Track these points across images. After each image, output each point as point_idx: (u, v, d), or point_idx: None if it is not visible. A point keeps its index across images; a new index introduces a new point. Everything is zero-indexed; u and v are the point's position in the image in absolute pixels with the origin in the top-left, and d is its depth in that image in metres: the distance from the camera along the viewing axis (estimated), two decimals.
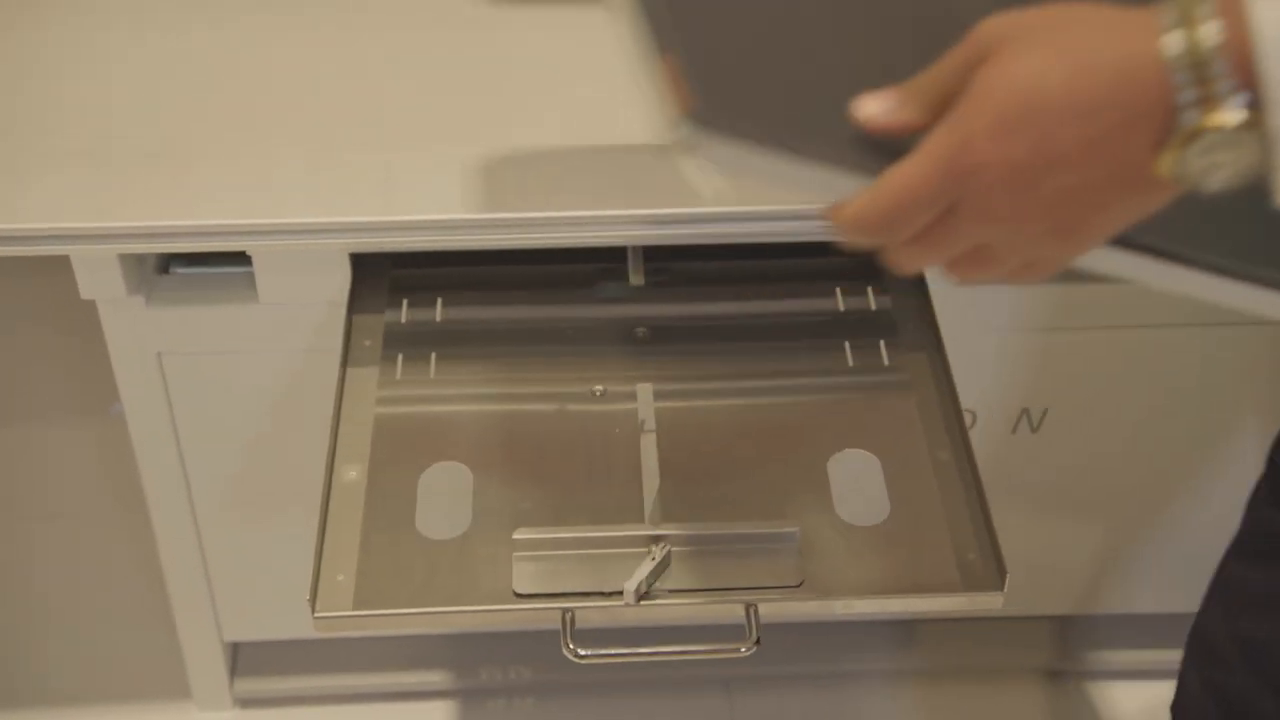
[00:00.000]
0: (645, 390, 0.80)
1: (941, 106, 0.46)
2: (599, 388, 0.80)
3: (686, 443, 0.77)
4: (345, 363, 0.80)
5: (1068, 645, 1.15)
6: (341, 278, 0.84)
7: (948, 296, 0.86)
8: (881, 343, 0.83)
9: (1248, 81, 0.41)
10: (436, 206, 0.78)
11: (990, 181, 0.44)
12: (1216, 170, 0.42)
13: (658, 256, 0.88)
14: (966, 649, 1.14)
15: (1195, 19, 0.41)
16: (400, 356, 0.80)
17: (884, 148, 0.48)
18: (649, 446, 0.76)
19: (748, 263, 0.88)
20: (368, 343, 0.82)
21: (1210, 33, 0.40)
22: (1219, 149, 0.42)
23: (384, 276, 0.86)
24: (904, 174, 0.46)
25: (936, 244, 0.48)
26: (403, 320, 0.83)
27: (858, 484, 0.75)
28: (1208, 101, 0.41)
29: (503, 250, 0.81)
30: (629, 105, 0.81)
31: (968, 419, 0.95)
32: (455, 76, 0.89)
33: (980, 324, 0.91)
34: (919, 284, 0.86)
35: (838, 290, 0.86)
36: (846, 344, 0.83)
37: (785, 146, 0.49)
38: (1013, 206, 0.45)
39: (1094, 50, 0.43)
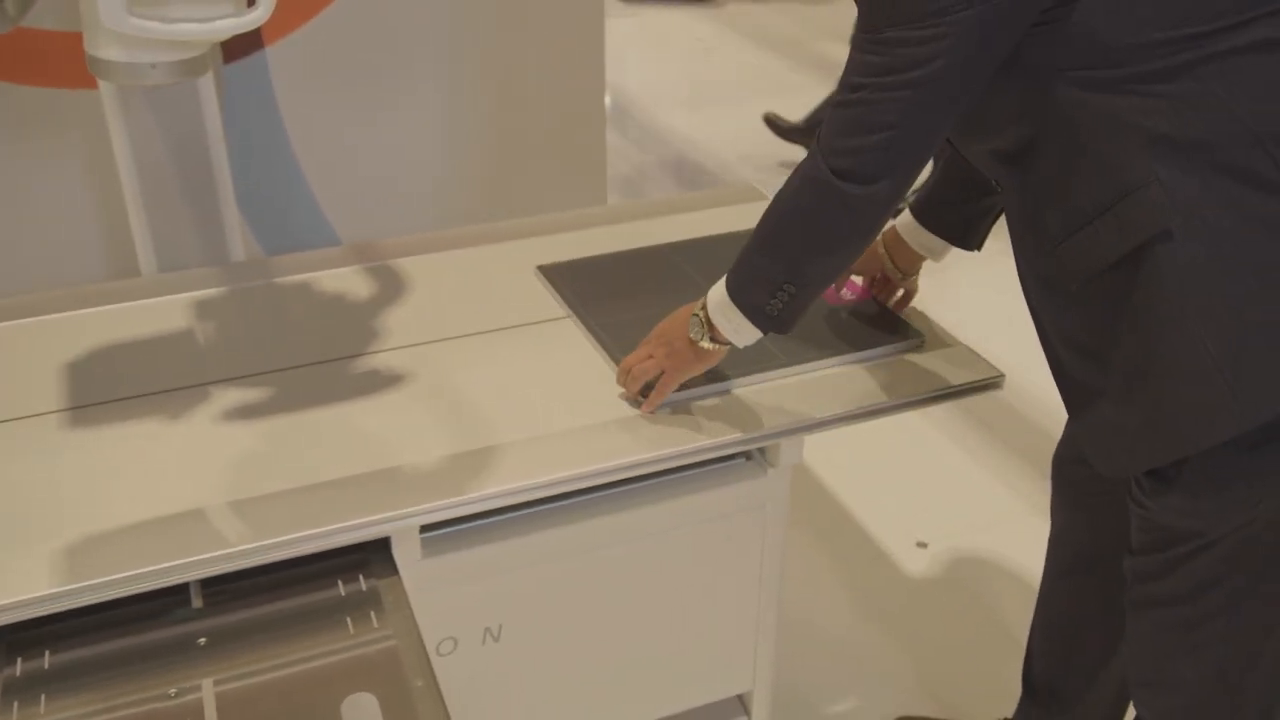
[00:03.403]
0: (208, 684, 1.15)
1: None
2: (173, 689, 1.14)
3: (240, 717, 1.12)
4: None
5: None
6: None
7: (419, 568, 1.27)
8: (371, 613, 1.23)
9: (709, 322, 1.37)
10: (34, 586, 1.12)
11: (654, 343, 1.42)
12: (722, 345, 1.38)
13: (215, 581, 1.24)
14: None
15: (701, 303, 1.37)
16: (16, 703, 1.11)
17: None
18: None
19: (281, 573, 1.26)
20: None
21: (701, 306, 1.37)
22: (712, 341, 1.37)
23: (1, 642, 1.16)
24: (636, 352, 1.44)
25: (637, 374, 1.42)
26: (18, 674, 1.14)
27: (363, 716, 1.13)
28: (704, 328, 1.36)
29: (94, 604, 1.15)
30: (169, 492, 1.20)
31: (451, 644, 1.36)
32: (30, 498, 1.24)
33: (444, 579, 1.34)
34: (393, 567, 1.27)
35: (339, 581, 1.26)
36: (348, 618, 1.22)
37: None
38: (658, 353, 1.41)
39: (678, 317, 1.40)
